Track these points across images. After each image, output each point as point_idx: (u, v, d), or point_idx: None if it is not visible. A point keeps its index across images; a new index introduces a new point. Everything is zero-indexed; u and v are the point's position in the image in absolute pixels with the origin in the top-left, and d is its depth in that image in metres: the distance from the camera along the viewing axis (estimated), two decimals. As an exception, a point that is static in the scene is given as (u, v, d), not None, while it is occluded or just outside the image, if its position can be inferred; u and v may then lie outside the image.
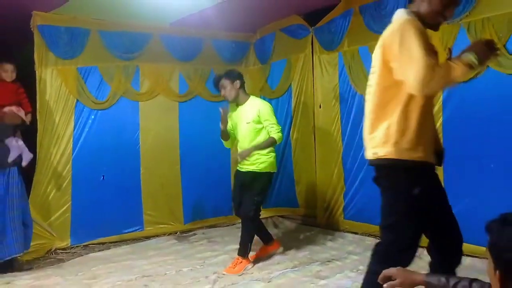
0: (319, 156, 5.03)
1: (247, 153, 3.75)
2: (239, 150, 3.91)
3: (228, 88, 3.80)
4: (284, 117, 5.31)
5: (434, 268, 2.14)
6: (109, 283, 3.47)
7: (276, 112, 3.89)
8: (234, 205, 4.13)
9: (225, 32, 5.38)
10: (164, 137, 5.11)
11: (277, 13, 5.01)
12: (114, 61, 4.76)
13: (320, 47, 4.90)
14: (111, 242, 4.67)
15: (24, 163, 3.92)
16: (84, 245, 4.54)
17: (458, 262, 2.10)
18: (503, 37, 3.28)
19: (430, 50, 1.84)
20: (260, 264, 3.84)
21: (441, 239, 2.09)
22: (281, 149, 5.28)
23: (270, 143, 3.74)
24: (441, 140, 3.78)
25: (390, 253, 2.07)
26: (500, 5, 3.27)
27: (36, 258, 4.16)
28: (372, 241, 4.26)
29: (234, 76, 3.84)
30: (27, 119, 4.03)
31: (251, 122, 3.77)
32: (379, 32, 4.36)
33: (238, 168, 3.98)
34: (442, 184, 3.75)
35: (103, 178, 4.72)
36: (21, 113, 3.94)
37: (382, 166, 2.03)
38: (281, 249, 4.09)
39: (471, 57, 1.82)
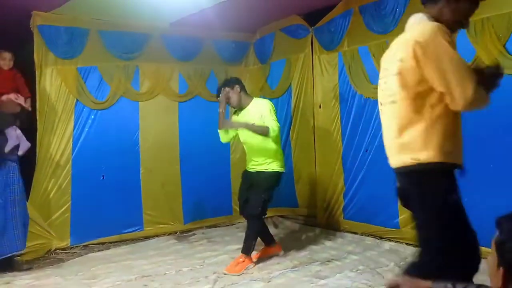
0: (319, 156, 5.03)
1: (237, 125, 3.79)
2: (247, 153, 3.97)
3: (231, 95, 3.83)
4: (284, 117, 5.31)
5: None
6: (108, 283, 3.47)
7: (276, 112, 3.88)
8: (239, 204, 4.14)
9: (225, 32, 5.38)
10: (164, 137, 5.11)
11: (277, 13, 5.01)
12: (114, 61, 4.76)
13: (320, 47, 4.90)
14: (111, 242, 4.67)
15: (20, 152, 3.89)
16: (84, 245, 4.54)
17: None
18: (503, 37, 3.28)
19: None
20: (260, 264, 3.83)
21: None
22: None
23: (262, 130, 3.66)
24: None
25: (451, 261, 1.87)
26: (500, 5, 3.27)
27: (36, 258, 4.16)
28: (372, 241, 4.28)
29: (233, 82, 3.89)
30: (27, 105, 4.03)
31: (257, 123, 3.76)
32: (379, 32, 4.43)
33: (246, 168, 4.01)
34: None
35: (103, 178, 4.72)
36: (20, 100, 3.93)
37: (423, 172, 1.91)
38: (282, 252, 4.08)
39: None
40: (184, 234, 5.01)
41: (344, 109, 4.69)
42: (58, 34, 4.40)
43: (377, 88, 4.56)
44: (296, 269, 3.65)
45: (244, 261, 3.73)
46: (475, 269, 1.87)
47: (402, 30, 4.09)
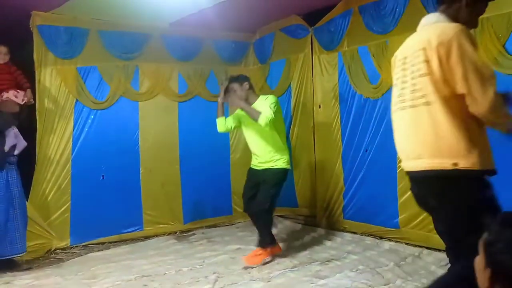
0: (318, 156, 5.03)
1: (236, 103, 3.78)
2: (253, 151, 3.97)
3: (238, 91, 3.83)
4: (283, 117, 5.30)
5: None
6: (108, 283, 3.47)
7: (278, 107, 3.89)
8: (243, 202, 4.16)
9: (224, 32, 5.38)
10: (163, 137, 5.11)
11: (277, 13, 5.01)
12: (114, 61, 4.76)
13: (319, 47, 4.90)
14: (110, 242, 4.67)
15: (16, 152, 3.89)
16: (83, 245, 4.54)
17: None
18: (503, 37, 3.28)
19: None
20: (259, 264, 3.83)
21: None
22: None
23: (255, 113, 3.67)
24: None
25: None
26: (500, 5, 3.26)
27: (36, 258, 4.16)
28: (371, 241, 4.28)
29: (242, 78, 3.90)
30: (29, 97, 4.02)
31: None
32: (379, 32, 4.42)
33: (252, 166, 4.03)
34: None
35: (103, 178, 4.72)
36: (19, 98, 3.93)
37: (461, 177, 1.86)
38: (281, 252, 4.07)
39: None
40: (184, 234, 5.01)
41: (344, 109, 4.69)
42: (58, 34, 4.40)
43: (377, 88, 4.59)
44: (296, 269, 3.65)
45: (261, 254, 3.78)
46: None
47: (402, 30, 4.10)
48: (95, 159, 4.66)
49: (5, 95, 3.93)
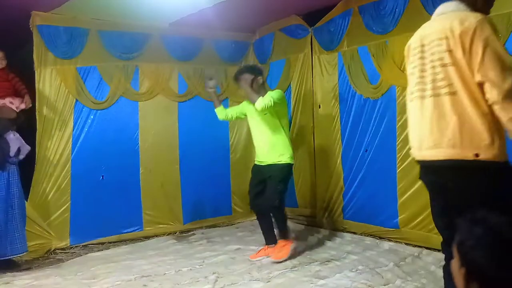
0: (318, 156, 5.03)
1: (246, 88, 3.80)
2: (257, 145, 4.01)
3: (248, 82, 3.83)
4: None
5: None
6: (108, 283, 3.47)
7: (282, 100, 3.91)
8: (249, 199, 4.19)
9: (224, 32, 5.38)
10: (163, 137, 5.11)
11: (277, 13, 5.01)
12: (114, 61, 4.76)
13: (319, 47, 4.90)
14: (110, 242, 4.67)
15: (21, 156, 3.95)
16: (83, 245, 4.54)
17: None
18: (502, 37, 3.28)
19: None
20: (259, 264, 3.84)
21: None
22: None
23: (255, 97, 3.71)
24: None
25: None
26: (500, 5, 3.24)
27: (35, 258, 4.16)
28: (371, 241, 4.28)
29: (252, 70, 3.92)
30: (27, 103, 4.02)
31: (269, 114, 3.83)
32: (379, 32, 4.42)
33: (256, 162, 4.06)
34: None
35: (103, 178, 4.72)
36: (15, 105, 3.94)
37: (479, 169, 1.86)
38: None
39: None
40: (184, 234, 5.01)
41: (343, 109, 4.70)
42: (58, 34, 4.40)
43: (376, 88, 4.59)
44: (295, 269, 3.65)
45: (285, 245, 3.86)
46: None
47: (401, 30, 4.10)
48: (95, 159, 4.66)
49: (1, 101, 3.94)
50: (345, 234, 4.56)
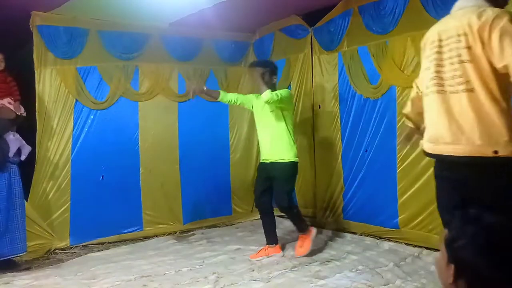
0: (318, 156, 5.03)
1: (257, 78, 3.80)
2: (262, 142, 4.03)
3: (260, 73, 3.84)
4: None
5: None
6: (108, 283, 3.47)
7: (289, 98, 3.96)
8: (255, 197, 4.23)
9: (224, 32, 5.38)
10: (163, 137, 5.11)
11: (276, 13, 5.01)
12: (114, 61, 4.75)
13: (319, 47, 4.90)
14: (110, 242, 4.67)
15: (23, 157, 3.96)
16: (83, 245, 4.54)
17: None
18: None
19: None
20: (259, 264, 3.84)
21: None
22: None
23: (265, 88, 3.73)
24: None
25: None
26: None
27: (35, 258, 4.16)
28: (371, 241, 4.28)
29: (268, 64, 3.95)
30: (20, 110, 4.03)
31: (275, 111, 3.87)
32: (378, 32, 4.42)
33: (261, 160, 4.08)
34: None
35: (103, 178, 4.72)
36: (14, 106, 3.94)
37: (498, 166, 1.88)
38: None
39: None
40: (184, 234, 5.01)
41: (343, 109, 4.70)
42: (58, 34, 4.40)
43: (376, 88, 4.59)
44: (295, 269, 3.65)
45: (306, 238, 3.93)
46: None
47: (401, 30, 4.10)
48: (95, 159, 4.66)
49: (0, 102, 3.94)
50: (345, 234, 4.56)
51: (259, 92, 3.90)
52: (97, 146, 4.67)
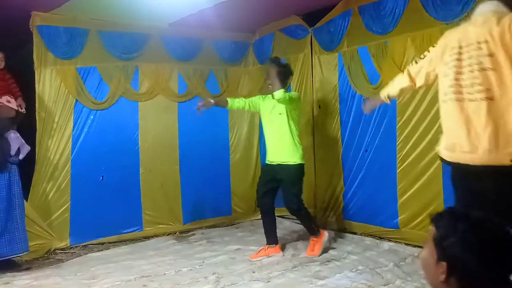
0: (318, 156, 5.03)
1: (272, 74, 3.86)
2: (269, 144, 4.06)
3: (275, 72, 3.87)
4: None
5: None
6: (108, 283, 3.47)
7: (296, 99, 4.02)
8: (257, 197, 4.26)
9: (224, 32, 5.38)
10: (163, 137, 5.11)
11: (276, 14, 5.01)
12: (113, 61, 4.75)
13: (319, 48, 4.90)
14: (110, 242, 4.67)
15: (21, 156, 3.96)
16: (83, 245, 4.54)
17: None
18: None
19: None
20: (259, 264, 3.84)
21: None
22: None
23: (278, 87, 3.79)
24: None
25: None
26: (499, 6, 3.27)
27: (35, 258, 4.16)
28: (371, 241, 4.28)
29: (282, 66, 3.97)
30: (21, 105, 4.03)
31: (283, 113, 3.90)
32: (378, 32, 4.42)
33: (267, 162, 4.10)
34: (442, 184, 3.77)
35: (102, 178, 4.72)
36: (13, 104, 3.94)
37: None
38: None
39: None
40: (184, 234, 5.00)
41: (344, 109, 4.69)
42: (58, 34, 4.40)
43: (377, 89, 4.59)
44: (295, 269, 3.65)
45: (317, 241, 3.96)
46: None
47: (401, 30, 4.09)
48: (95, 160, 4.66)
49: None
50: (345, 234, 4.56)
51: (267, 90, 3.95)
52: (97, 146, 4.67)
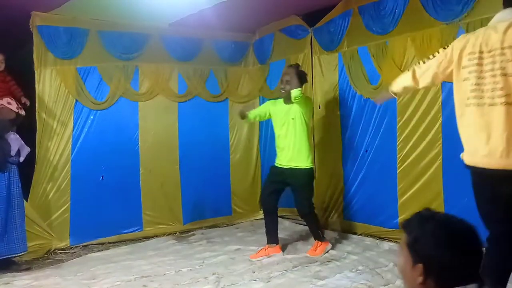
0: (318, 156, 5.02)
1: (291, 73, 3.94)
2: (281, 147, 4.07)
3: (295, 74, 3.92)
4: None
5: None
6: (108, 283, 3.47)
7: (307, 101, 4.08)
8: (261, 196, 4.28)
9: (224, 32, 5.38)
10: (163, 137, 5.11)
11: (276, 14, 5.01)
12: (113, 61, 4.75)
13: (319, 48, 4.90)
14: (110, 243, 4.67)
15: (21, 158, 3.97)
16: (83, 246, 4.54)
17: None
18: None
19: None
20: (259, 264, 3.84)
21: None
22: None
23: (295, 86, 3.84)
24: (441, 140, 3.81)
25: None
26: (499, 6, 3.26)
27: (35, 258, 4.16)
28: (371, 241, 4.27)
29: (304, 73, 4.09)
30: (23, 103, 4.02)
31: (296, 118, 3.94)
32: (378, 32, 4.43)
33: (277, 164, 4.12)
34: (442, 184, 3.77)
35: (102, 178, 4.72)
36: (13, 106, 3.94)
37: None
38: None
39: None
40: (184, 235, 5.00)
41: (344, 110, 4.69)
42: (58, 34, 4.40)
43: (377, 89, 4.59)
44: (295, 269, 3.65)
45: (321, 245, 4.01)
46: None
47: (401, 30, 4.09)
48: (95, 160, 4.66)
49: None
50: (345, 234, 4.56)
51: (280, 88, 4.00)
52: (97, 146, 4.67)
